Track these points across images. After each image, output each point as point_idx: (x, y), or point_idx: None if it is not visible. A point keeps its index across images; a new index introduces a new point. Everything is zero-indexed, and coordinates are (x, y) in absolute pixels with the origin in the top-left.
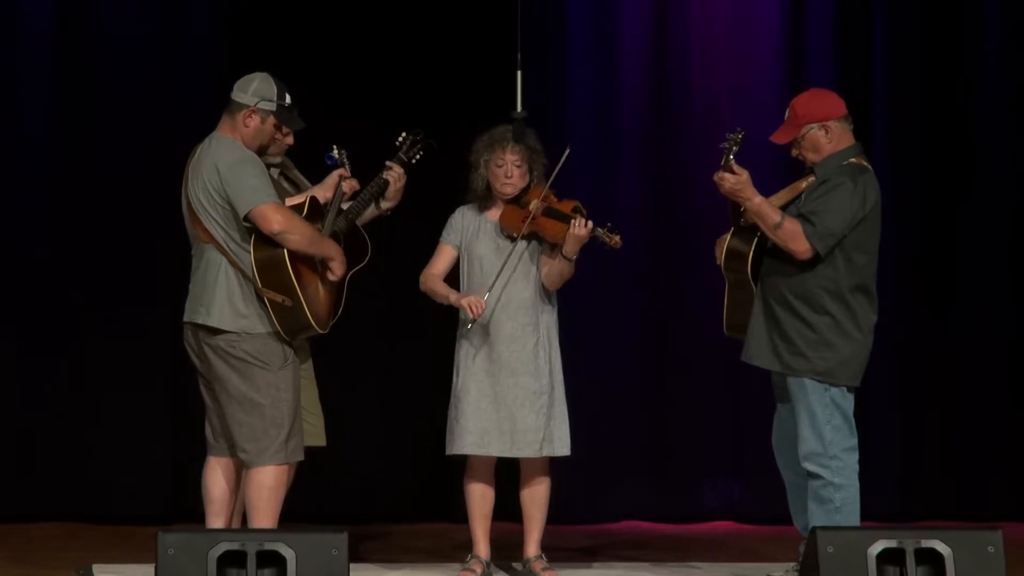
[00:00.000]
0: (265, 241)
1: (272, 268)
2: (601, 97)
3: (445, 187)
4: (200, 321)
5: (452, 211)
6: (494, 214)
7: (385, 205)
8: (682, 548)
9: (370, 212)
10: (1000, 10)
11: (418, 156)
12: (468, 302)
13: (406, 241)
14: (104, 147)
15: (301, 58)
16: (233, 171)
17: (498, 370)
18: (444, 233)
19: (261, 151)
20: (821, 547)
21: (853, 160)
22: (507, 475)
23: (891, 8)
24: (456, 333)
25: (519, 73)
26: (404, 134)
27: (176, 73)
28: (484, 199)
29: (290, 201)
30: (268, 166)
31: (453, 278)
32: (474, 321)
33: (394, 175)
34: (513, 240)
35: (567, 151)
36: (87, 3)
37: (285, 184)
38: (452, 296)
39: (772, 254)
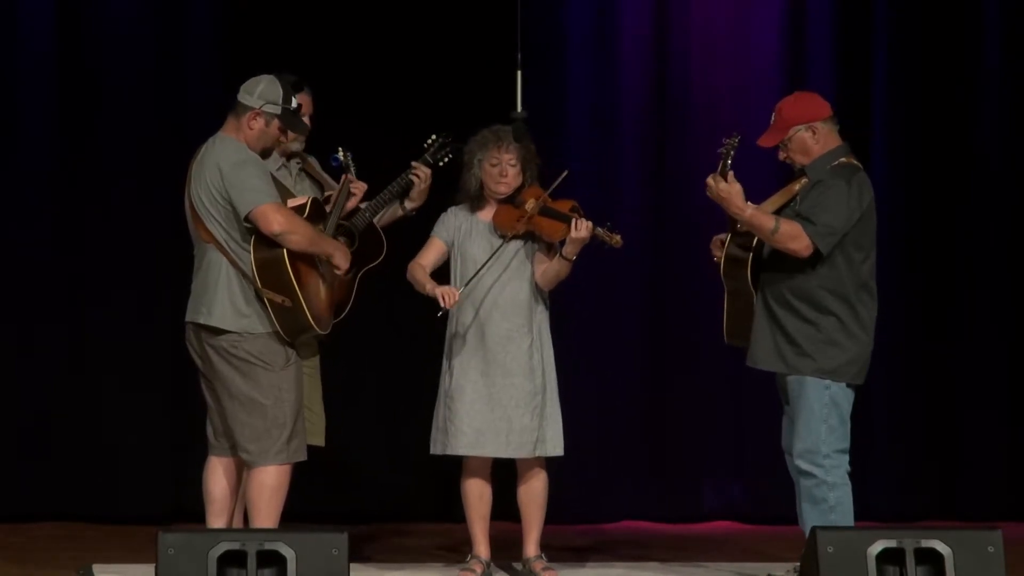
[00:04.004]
0: (265, 242)
1: (271, 268)
2: (601, 97)
3: (446, 187)
4: (202, 321)
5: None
6: (487, 214)
7: (410, 205)
8: (682, 548)
9: (392, 212)
10: (1000, 11)
11: (447, 159)
12: (442, 291)
13: (408, 240)
14: (104, 147)
15: (301, 58)
16: (235, 172)
17: (493, 371)
18: (436, 228)
19: (265, 153)
20: (821, 547)
21: (843, 160)
22: (505, 475)
23: (891, 9)
24: (445, 334)
25: (519, 73)
26: (433, 136)
27: (176, 73)
28: (476, 199)
29: (291, 202)
30: (289, 156)
31: (443, 274)
32: (444, 312)
33: (420, 175)
34: (505, 239)
35: (564, 173)
36: (87, 3)
37: (306, 179)
38: (428, 285)
39: (772, 257)
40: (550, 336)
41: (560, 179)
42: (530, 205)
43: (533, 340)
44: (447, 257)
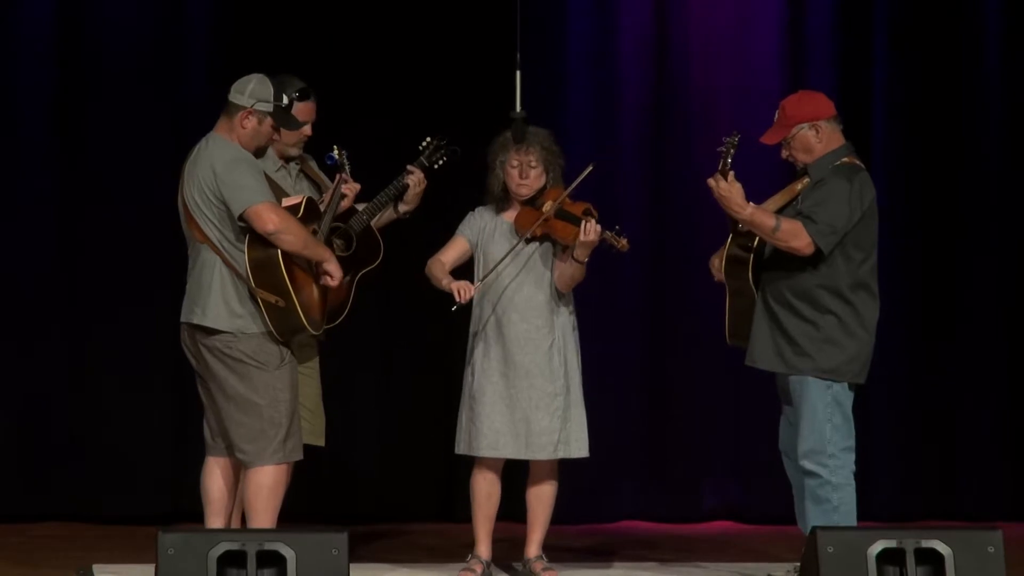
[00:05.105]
0: (259, 241)
1: (266, 268)
2: (601, 97)
3: (445, 186)
4: (196, 321)
5: (453, 209)
6: (511, 216)
7: (403, 208)
8: (683, 548)
9: (388, 215)
10: (1000, 11)
11: (441, 162)
12: (457, 286)
13: (406, 240)
14: (104, 147)
15: (300, 58)
16: (228, 171)
17: (512, 372)
18: (461, 226)
19: (259, 152)
20: (821, 547)
21: (846, 159)
22: (510, 476)
23: (892, 10)
24: (468, 334)
25: (519, 73)
26: (428, 139)
27: (176, 73)
28: (501, 200)
29: (286, 201)
30: (288, 159)
31: (467, 274)
32: (458, 305)
33: (414, 179)
34: (526, 241)
35: (590, 167)
36: (87, 3)
37: (304, 180)
38: (445, 280)
39: (772, 257)
40: (576, 338)
41: (584, 175)
42: (547, 207)
43: (555, 341)
44: (469, 256)
